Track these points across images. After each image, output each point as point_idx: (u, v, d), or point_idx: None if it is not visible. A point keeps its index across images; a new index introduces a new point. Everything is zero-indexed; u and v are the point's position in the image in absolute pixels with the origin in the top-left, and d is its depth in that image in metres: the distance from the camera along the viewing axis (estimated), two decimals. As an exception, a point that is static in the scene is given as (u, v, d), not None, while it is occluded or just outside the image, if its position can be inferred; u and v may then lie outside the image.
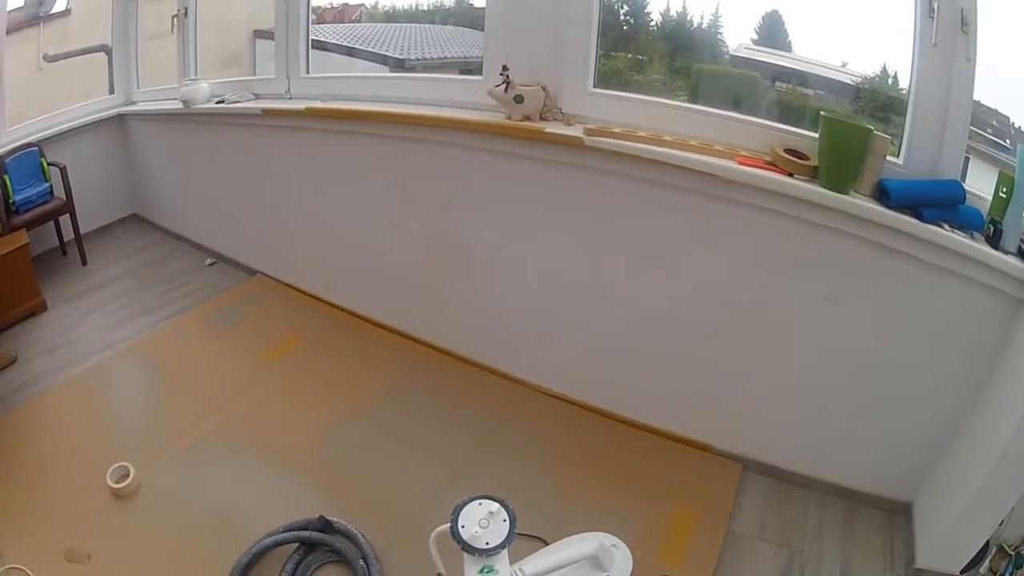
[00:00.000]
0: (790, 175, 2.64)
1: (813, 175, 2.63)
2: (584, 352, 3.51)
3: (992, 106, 2.58)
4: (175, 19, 5.13)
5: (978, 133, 2.57)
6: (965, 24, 2.36)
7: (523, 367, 3.79)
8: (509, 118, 3.18)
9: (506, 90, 3.11)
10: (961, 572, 2.56)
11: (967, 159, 2.56)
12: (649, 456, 3.28)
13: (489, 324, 3.85)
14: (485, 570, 1.77)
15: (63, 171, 5.12)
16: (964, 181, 2.53)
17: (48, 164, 5.13)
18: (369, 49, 4.69)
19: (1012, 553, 2.43)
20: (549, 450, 3.33)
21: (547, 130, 3.05)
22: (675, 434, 3.34)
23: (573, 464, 3.24)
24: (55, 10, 5.39)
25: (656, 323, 3.23)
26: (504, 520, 1.82)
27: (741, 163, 2.70)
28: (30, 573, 2.67)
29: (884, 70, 2.83)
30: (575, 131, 3.01)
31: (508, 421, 3.53)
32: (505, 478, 3.13)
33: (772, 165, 2.70)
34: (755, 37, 3.19)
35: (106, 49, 5.69)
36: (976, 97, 2.46)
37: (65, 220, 5.34)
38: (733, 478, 3.13)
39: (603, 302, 3.34)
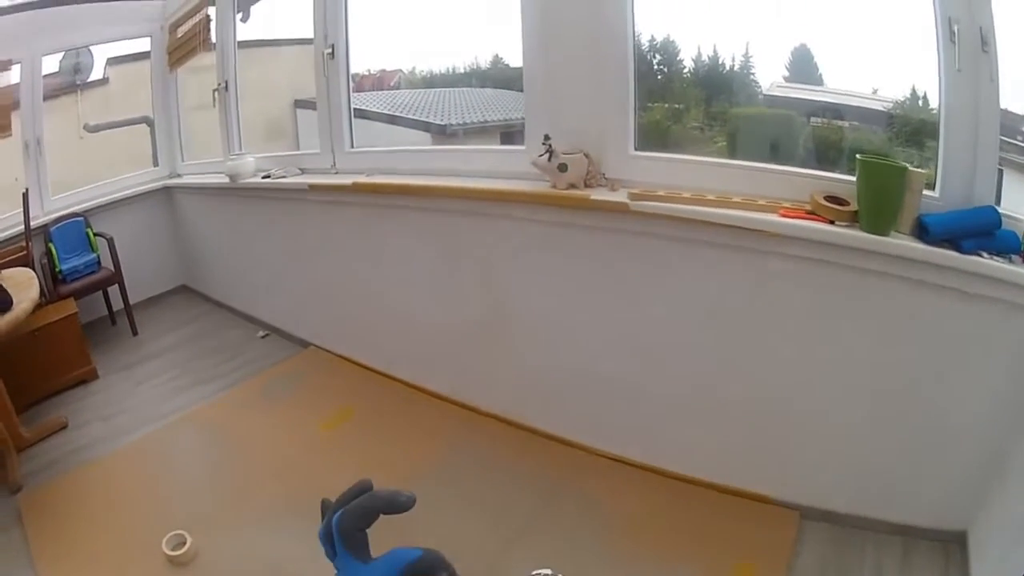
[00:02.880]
0: (831, 222, 2.72)
1: (854, 220, 2.70)
2: (639, 412, 3.58)
3: (1022, 113, 2.62)
4: (216, 93, 5.31)
5: (1008, 142, 2.60)
6: (985, 44, 2.42)
7: (578, 430, 3.82)
8: (554, 187, 3.31)
9: (549, 159, 3.22)
10: None
11: (1001, 172, 2.59)
12: (707, 512, 3.29)
13: (543, 389, 3.90)
14: None
15: (110, 242, 5.33)
16: (1000, 195, 2.60)
17: (95, 235, 5.35)
18: (410, 116, 4.84)
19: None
20: (606, 513, 3.34)
21: (592, 197, 3.17)
22: (732, 488, 3.37)
23: (631, 525, 3.25)
24: (92, 78, 5.63)
25: (709, 378, 3.31)
26: None
27: (784, 215, 2.79)
28: None
29: (914, 92, 2.90)
30: (620, 196, 3.13)
31: (564, 485, 3.56)
32: (562, 544, 3.17)
33: (813, 214, 2.78)
34: (786, 74, 3.28)
35: (148, 121, 5.93)
36: (1003, 105, 2.50)
37: (114, 290, 5.53)
38: (791, 527, 3.14)
39: (655, 361, 3.44)
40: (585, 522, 3.29)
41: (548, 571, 1.98)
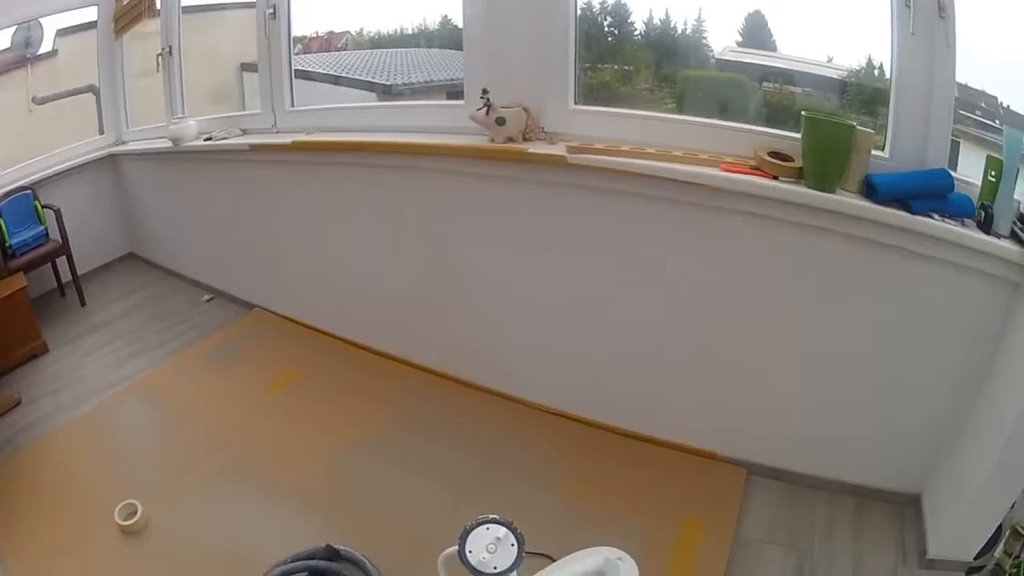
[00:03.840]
0: (775, 178, 2.67)
1: (799, 176, 2.66)
2: (582, 369, 3.56)
3: (979, 87, 2.59)
4: (160, 58, 5.20)
5: (967, 116, 2.59)
6: (942, 10, 2.38)
7: (523, 387, 3.82)
8: (492, 141, 3.24)
9: (487, 113, 3.17)
10: (975, 559, 2.57)
11: (957, 143, 2.59)
12: (653, 468, 3.31)
13: (487, 346, 3.90)
14: None
15: (57, 213, 5.20)
16: (955, 166, 2.58)
17: (42, 207, 5.22)
18: (355, 77, 4.76)
19: (1027, 534, 2.44)
20: (553, 468, 3.36)
21: (530, 151, 3.11)
22: (678, 444, 3.37)
23: (578, 480, 3.27)
24: (42, 51, 5.47)
25: (652, 335, 3.27)
26: (512, 544, 1.80)
27: (725, 170, 2.74)
28: None
29: (869, 62, 2.85)
30: (558, 150, 3.06)
31: (511, 441, 3.57)
32: (511, 498, 3.17)
33: (757, 170, 2.73)
34: (739, 39, 3.23)
35: (94, 89, 5.78)
36: (963, 80, 2.48)
37: (62, 262, 5.42)
38: (738, 483, 3.15)
39: (598, 317, 3.39)
40: (533, 478, 3.31)
41: (495, 515, 1.90)
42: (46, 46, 5.50)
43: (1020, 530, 2.45)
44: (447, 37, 4.25)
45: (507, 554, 1.79)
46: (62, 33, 5.57)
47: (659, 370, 3.32)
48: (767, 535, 2.90)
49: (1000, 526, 2.50)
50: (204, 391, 4.21)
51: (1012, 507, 2.45)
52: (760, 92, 3.25)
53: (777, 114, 3.13)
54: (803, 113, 2.69)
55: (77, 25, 5.62)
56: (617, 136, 3.09)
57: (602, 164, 2.93)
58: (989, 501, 2.48)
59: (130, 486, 3.31)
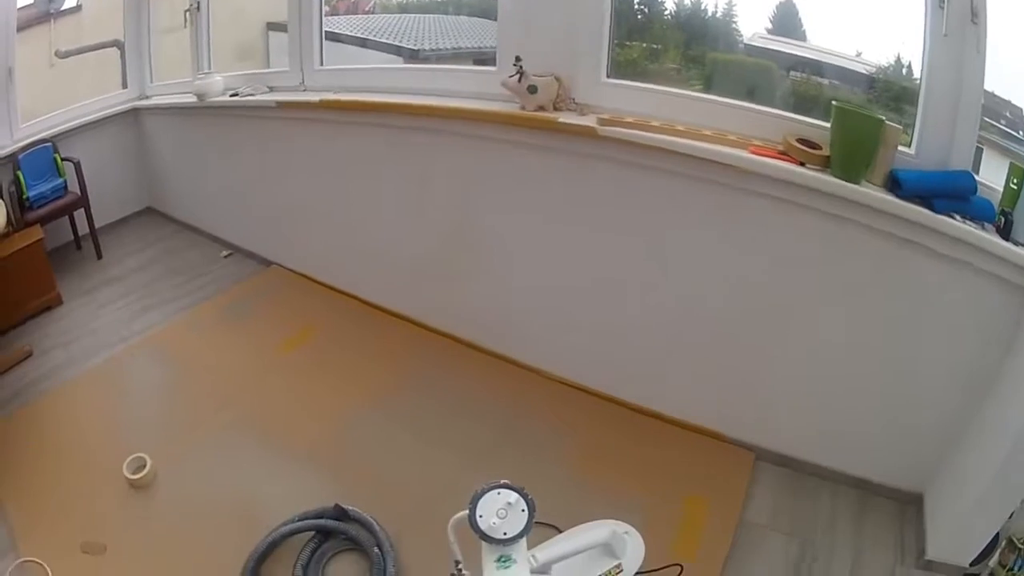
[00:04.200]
0: (802, 164, 2.67)
1: (825, 165, 2.66)
2: (599, 341, 3.57)
3: (1006, 97, 2.58)
4: (188, 13, 5.19)
5: (991, 124, 2.58)
6: (975, 15, 2.38)
7: (538, 356, 3.84)
8: (523, 108, 3.24)
9: (519, 80, 3.16)
10: (970, 565, 2.60)
11: (980, 150, 2.58)
12: (663, 445, 3.32)
13: (505, 313, 3.91)
14: (502, 559, 1.77)
15: (77, 166, 5.19)
16: (978, 172, 2.56)
17: (62, 160, 5.20)
18: (383, 40, 4.74)
19: (1021, 547, 2.46)
20: (563, 439, 3.37)
21: (560, 120, 3.10)
22: (689, 423, 3.39)
23: (587, 453, 3.29)
24: (66, 6, 5.44)
25: (672, 312, 3.27)
26: (523, 510, 1.80)
27: (753, 152, 2.73)
28: (45, 566, 2.74)
29: (898, 60, 2.84)
30: (588, 121, 3.05)
31: (523, 410, 3.58)
32: (519, 466, 3.16)
33: (784, 155, 2.73)
34: (769, 27, 3.22)
35: (119, 44, 5.75)
36: (989, 88, 2.47)
37: (80, 215, 5.41)
38: (746, 467, 3.17)
39: (619, 291, 3.40)
40: (542, 447, 3.33)
41: (506, 480, 1.90)
42: (70, 1, 5.48)
43: (1016, 542, 2.48)
44: (476, 5, 4.28)
45: (517, 520, 1.79)
46: (86, -12, 5.54)
47: (674, 348, 3.33)
48: (770, 520, 2.93)
49: (997, 535, 2.52)
50: (217, 347, 4.22)
51: (1010, 517, 2.48)
52: (787, 80, 3.23)
53: (803, 103, 3.10)
54: (834, 103, 2.68)
55: (101, -20, 5.59)
56: (647, 112, 3.08)
57: (632, 138, 2.93)
58: (988, 509, 2.49)
59: (139, 440, 3.33)
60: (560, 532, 2.43)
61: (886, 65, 2.92)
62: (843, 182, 2.58)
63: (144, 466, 3.13)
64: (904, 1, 2.60)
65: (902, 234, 2.57)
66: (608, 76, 3.26)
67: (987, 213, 2.50)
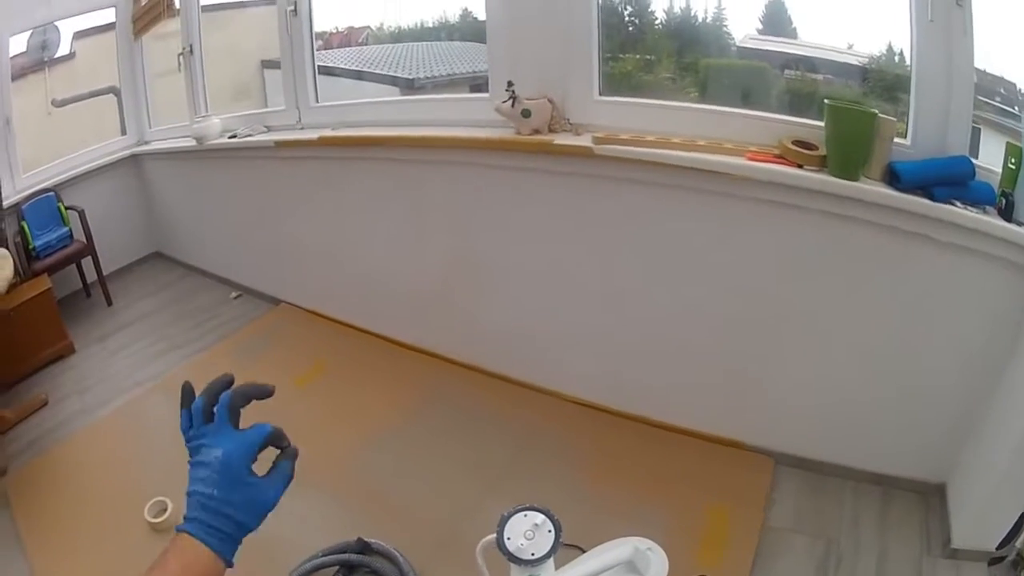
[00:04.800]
0: (800, 166, 2.68)
1: (822, 164, 2.66)
2: (609, 358, 3.59)
3: (998, 74, 2.58)
4: (181, 57, 5.24)
5: (986, 102, 2.58)
6: None
7: (549, 377, 3.84)
8: (518, 133, 3.26)
9: (513, 105, 3.19)
10: (996, 549, 2.54)
11: (978, 130, 2.56)
12: (679, 457, 3.32)
13: (512, 337, 3.91)
14: None
15: (81, 214, 5.25)
16: (977, 153, 2.56)
17: (66, 208, 5.27)
18: (378, 71, 4.77)
19: (1047, 525, 2.42)
20: (581, 458, 3.37)
21: (556, 142, 3.13)
22: (704, 433, 3.39)
23: (605, 470, 3.29)
24: (59, 54, 5.50)
25: (679, 324, 3.28)
26: (549, 531, 1.73)
27: (750, 159, 2.74)
28: None
29: (890, 48, 2.84)
30: (584, 141, 3.08)
31: (538, 432, 3.59)
32: (538, 488, 3.19)
33: (781, 158, 2.73)
34: (760, 27, 3.23)
35: (115, 90, 5.82)
36: (981, 66, 2.47)
37: (88, 262, 5.48)
38: (765, 473, 3.16)
39: (624, 307, 3.40)
40: (559, 468, 3.32)
41: (533, 503, 1.93)
42: (63, 49, 5.53)
43: (1040, 522, 2.45)
44: (468, 29, 4.27)
45: (544, 541, 1.72)
46: (79, 36, 5.62)
47: (684, 360, 3.33)
48: (794, 524, 2.92)
49: (1021, 516, 2.47)
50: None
51: None
52: (782, 79, 3.25)
53: (800, 101, 3.13)
54: (826, 101, 2.68)
55: (94, 27, 5.66)
56: (641, 126, 3.09)
57: (628, 155, 2.94)
58: (1011, 491, 2.47)
59: (159, 484, 3.29)
60: (584, 552, 2.45)
61: (878, 55, 2.92)
62: (841, 180, 2.59)
63: (165, 509, 3.14)
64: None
65: (905, 227, 2.56)
66: (600, 94, 3.28)
67: (987, 196, 2.49)
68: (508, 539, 1.82)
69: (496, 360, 4.05)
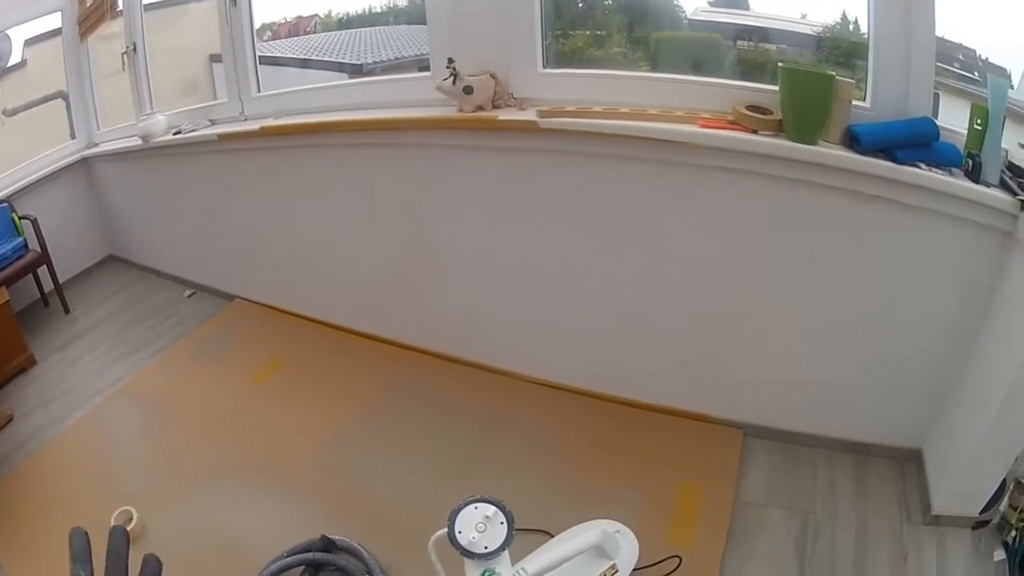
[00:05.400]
0: (755, 132, 2.59)
1: (779, 129, 2.58)
2: (569, 337, 3.50)
3: (957, 40, 2.54)
4: (125, 56, 5.12)
5: (945, 68, 2.53)
6: None
7: (510, 360, 3.78)
8: (461, 110, 3.16)
9: (454, 82, 3.09)
10: (980, 513, 2.53)
11: (937, 96, 2.52)
12: (647, 434, 3.25)
13: (471, 320, 3.82)
14: (486, 573, 1.76)
15: (35, 223, 5.10)
16: (937, 117, 2.49)
17: (20, 218, 5.12)
18: (324, 58, 4.67)
19: (1032, 487, 2.40)
20: (546, 440, 3.30)
21: (500, 118, 3.03)
22: (671, 408, 3.32)
23: (571, 451, 3.21)
24: (11, 63, 5.38)
25: (637, 299, 3.21)
26: (502, 522, 1.81)
27: (703, 126, 2.65)
28: None
29: (844, 17, 2.78)
30: (528, 115, 2.98)
31: (501, 416, 3.51)
32: (504, 474, 3.12)
33: (735, 124, 2.65)
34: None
35: (63, 95, 5.68)
36: (940, 33, 2.42)
37: (43, 271, 5.32)
38: (735, 446, 3.11)
39: (581, 284, 3.33)
40: (527, 451, 3.27)
41: (482, 494, 1.84)
42: (15, 57, 5.41)
43: (1024, 482, 2.40)
44: (415, 13, 4.18)
45: (497, 533, 1.80)
46: (30, 43, 5.48)
47: (647, 335, 3.26)
48: (767, 497, 2.86)
49: (1004, 480, 2.44)
50: (191, 387, 4.16)
51: (1016, 460, 2.39)
52: (734, 50, 3.17)
53: (752, 71, 3.05)
54: (780, 64, 2.62)
55: (44, 33, 5.52)
56: (589, 98, 3.00)
57: (574, 127, 2.85)
58: (991, 454, 2.42)
59: (125, 492, 3.26)
60: (551, 536, 2.39)
61: (832, 24, 2.85)
62: (799, 144, 2.51)
63: (131, 519, 3.06)
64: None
65: (867, 190, 2.49)
66: (545, 67, 3.19)
67: (953, 158, 2.44)
68: (459, 532, 1.81)
69: (456, 345, 3.98)
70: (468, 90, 3.08)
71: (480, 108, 3.13)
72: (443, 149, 3.36)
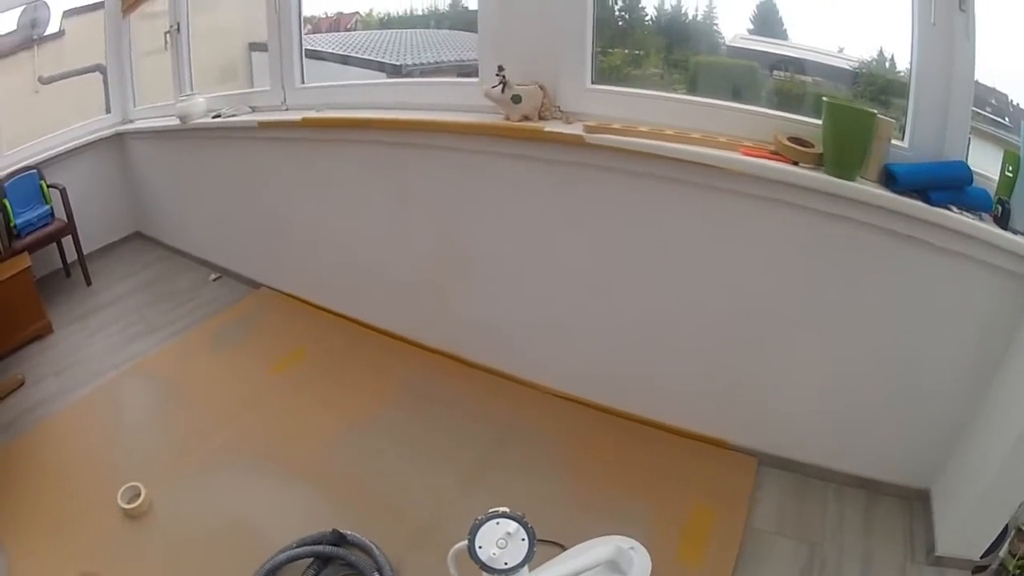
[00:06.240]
0: (795, 163, 2.58)
1: (818, 163, 2.57)
2: (593, 352, 3.46)
3: (990, 85, 2.52)
4: (168, 35, 5.10)
5: (977, 112, 2.51)
6: (963, 2, 2.30)
7: (532, 370, 3.74)
8: (507, 119, 3.14)
9: (503, 91, 3.07)
10: (981, 557, 2.52)
11: (968, 140, 2.50)
12: (663, 454, 3.22)
13: (496, 327, 3.79)
14: None
15: (63, 193, 5.09)
16: (966, 160, 2.49)
17: (48, 186, 5.11)
18: (365, 56, 4.66)
19: (1031, 535, 2.39)
20: (562, 452, 3.27)
21: (546, 129, 3.01)
22: (688, 431, 3.29)
23: (587, 465, 3.19)
24: (48, 32, 5.36)
25: (665, 319, 3.18)
26: (523, 539, 1.77)
27: (745, 154, 2.64)
28: None
29: (881, 53, 2.77)
30: (575, 129, 2.96)
31: (519, 424, 3.48)
32: (518, 482, 3.09)
33: (776, 154, 2.64)
34: (750, 27, 3.15)
35: (101, 69, 5.67)
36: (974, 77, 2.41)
37: (68, 242, 5.31)
38: (749, 473, 3.09)
39: (611, 300, 3.30)
40: (540, 461, 3.25)
41: (505, 509, 1.82)
42: (53, 27, 5.39)
43: (1025, 530, 2.40)
44: (457, 18, 4.20)
45: (518, 550, 1.76)
46: (68, 14, 5.47)
47: (670, 356, 3.24)
48: (777, 526, 2.85)
49: (1007, 526, 2.44)
50: (209, 371, 4.13)
51: (1019, 507, 2.39)
52: (771, 80, 3.16)
53: (788, 102, 3.04)
54: (824, 98, 2.60)
55: (84, 6, 5.52)
56: (633, 117, 2.99)
57: (620, 144, 2.82)
58: (996, 500, 2.42)
59: (133, 468, 3.24)
60: (564, 549, 2.36)
61: (869, 59, 2.84)
62: (838, 180, 2.50)
63: (139, 495, 3.03)
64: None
65: (900, 229, 2.48)
66: (592, 82, 3.17)
67: (984, 203, 2.42)
68: (480, 547, 1.77)
69: (480, 350, 3.94)
70: (516, 99, 3.07)
71: (526, 118, 3.11)
72: (484, 155, 3.34)
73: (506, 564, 1.72)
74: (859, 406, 2.87)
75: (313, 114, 3.94)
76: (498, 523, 1.79)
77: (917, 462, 2.85)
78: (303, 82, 4.28)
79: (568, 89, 3.15)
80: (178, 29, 5.02)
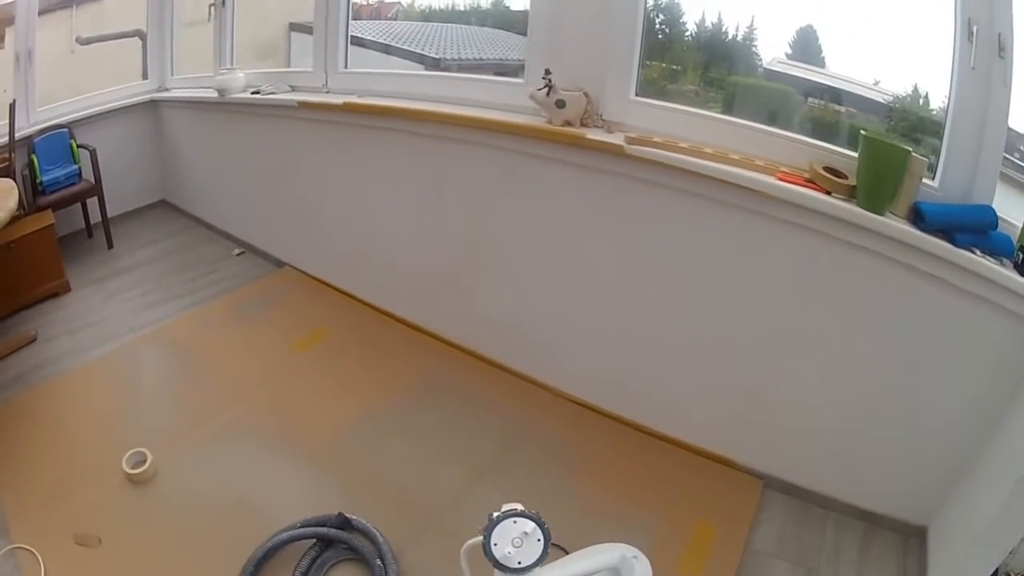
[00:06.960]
0: (828, 193, 2.59)
1: (851, 194, 2.57)
2: (612, 361, 3.46)
3: (1021, 131, 2.49)
4: (212, 7, 5.11)
5: (1006, 157, 2.51)
6: (1002, 49, 2.31)
7: (549, 372, 3.73)
8: (550, 122, 3.14)
9: (548, 94, 3.07)
10: None
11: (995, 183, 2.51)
12: (671, 468, 3.22)
13: (518, 327, 3.79)
14: None
15: (93, 154, 5.10)
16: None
17: (78, 146, 5.12)
18: (406, 47, 4.66)
19: (1020, 583, 2.38)
20: (572, 456, 3.28)
21: (588, 136, 3.00)
22: (697, 447, 3.29)
23: (595, 471, 3.19)
24: (89, -7, 5.34)
25: (686, 334, 3.18)
26: (538, 540, 1.77)
27: (781, 179, 2.65)
28: (37, 554, 2.64)
29: (916, 90, 2.77)
30: (616, 138, 2.96)
31: (532, 425, 3.48)
32: (526, 482, 3.11)
33: (811, 182, 2.65)
34: (789, 51, 3.14)
35: (140, 34, 5.68)
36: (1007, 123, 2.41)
37: (93, 203, 5.33)
38: (754, 494, 3.08)
39: (634, 311, 3.30)
40: (549, 463, 3.24)
41: (519, 506, 1.82)
42: (94, -11, 5.36)
43: (1014, 576, 2.40)
44: (499, 17, 4.18)
45: (533, 549, 1.75)
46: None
47: (686, 370, 3.24)
48: (777, 549, 2.84)
49: (996, 570, 2.39)
50: (225, 344, 4.12)
51: (1011, 553, 2.34)
52: (805, 106, 3.16)
53: (821, 130, 3.03)
54: (862, 132, 2.59)
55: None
56: (672, 132, 2.99)
57: (660, 158, 2.82)
58: (990, 543, 2.39)
59: (141, 434, 3.25)
60: (567, 553, 2.36)
61: (903, 95, 2.84)
62: (869, 213, 2.50)
63: (144, 461, 3.03)
64: (925, 31, 2.54)
65: (923, 267, 2.48)
66: (636, 95, 3.17)
67: (1006, 248, 2.42)
68: (495, 544, 1.76)
69: (499, 349, 3.94)
70: (560, 104, 3.06)
71: (568, 123, 3.11)
72: (523, 157, 3.33)
73: (520, 563, 1.72)
74: (865, 438, 2.87)
75: (355, 99, 3.93)
76: (515, 522, 1.78)
77: (917, 498, 2.84)
78: (346, 67, 4.27)
79: (612, 98, 3.14)
80: (223, 3, 5.00)
